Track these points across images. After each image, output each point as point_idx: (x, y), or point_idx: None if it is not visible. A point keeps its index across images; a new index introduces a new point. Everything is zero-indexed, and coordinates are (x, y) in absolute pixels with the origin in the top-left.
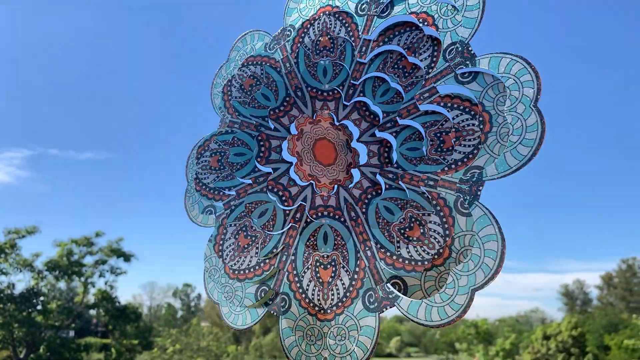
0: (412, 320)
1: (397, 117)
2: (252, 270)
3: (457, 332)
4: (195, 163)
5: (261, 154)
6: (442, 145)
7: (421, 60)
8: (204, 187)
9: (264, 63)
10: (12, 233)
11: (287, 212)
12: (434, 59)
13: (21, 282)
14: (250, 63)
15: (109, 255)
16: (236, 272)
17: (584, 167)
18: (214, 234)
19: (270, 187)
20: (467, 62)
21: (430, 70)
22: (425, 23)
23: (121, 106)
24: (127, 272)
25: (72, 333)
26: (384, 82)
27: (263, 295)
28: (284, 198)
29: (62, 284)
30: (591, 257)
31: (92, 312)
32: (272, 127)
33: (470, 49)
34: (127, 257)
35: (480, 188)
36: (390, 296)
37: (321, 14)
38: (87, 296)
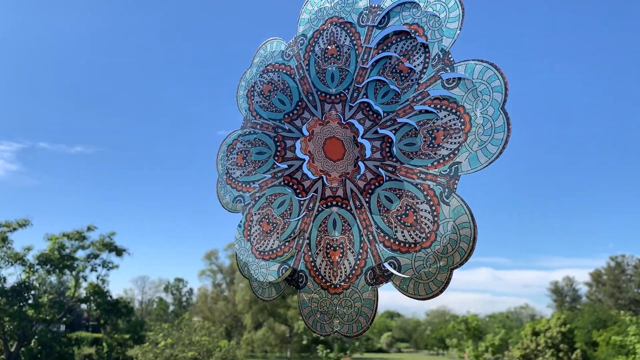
0: (404, 294)
1: (395, 116)
2: (274, 251)
3: (448, 328)
4: (226, 159)
5: (278, 153)
6: (433, 141)
7: (415, 66)
8: (233, 180)
9: (280, 70)
10: (2, 226)
11: (302, 202)
12: (426, 64)
13: (12, 275)
14: (269, 70)
15: (101, 250)
16: (262, 253)
17: (573, 166)
18: (243, 220)
19: (286, 182)
20: (447, 68)
21: (422, 75)
22: (417, 33)
23: (112, 101)
24: (119, 267)
25: (62, 327)
26: (384, 84)
27: (283, 272)
28: (298, 190)
29: (53, 278)
30: (580, 254)
31: (84, 306)
32: (287, 128)
33: (450, 56)
34: (119, 252)
35: (457, 181)
36: (385, 274)
37: (329, 24)
38: (79, 290)
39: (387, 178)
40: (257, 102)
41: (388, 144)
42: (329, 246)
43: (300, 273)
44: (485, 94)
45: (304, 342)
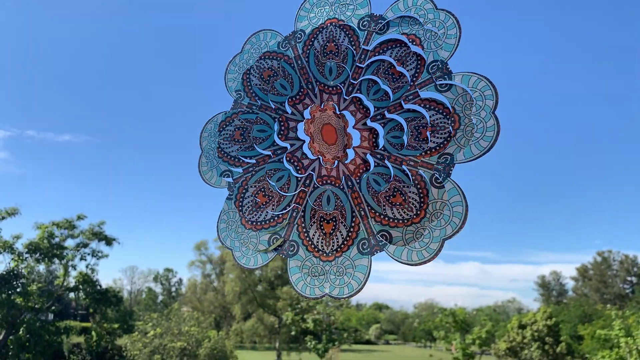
0: (397, 261)
1: (385, 112)
2: (267, 222)
3: (435, 321)
4: (218, 135)
5: (281, 132)
6: (419, 136)
7: (407, 71)
8: (225, 154)
9: (279, 58)
10: None
11: (299, 178)
12: (418, 71)
13: (1, 264)
14: (267, 57)
15: (90, 239)
16: (253, 223)
17: (561, 163)
18: (235, 192)
19: (288, 159)
20: (445, 77)
21: (414, 79)
22: (414, 43)
23: (101, 89)
24: (108, 256)
25: (51, 316)
26: (376, 83)
27: (274, 242)
28: (298, 168)
29: (41, 267)
30: (567, 249)
31: (72, 295)
32: (290, 111)
33: (448, 67)
34: (109, 241)
35: (452, 168)
36: (380, 243)
37: (329, 24)
38: (68, 279)
39: (376, 164)
40: (256, 85)
41: (375, 136)
42: (322, 219)
43: (292, 242)
44: (479, 100)
45: (293, 332)
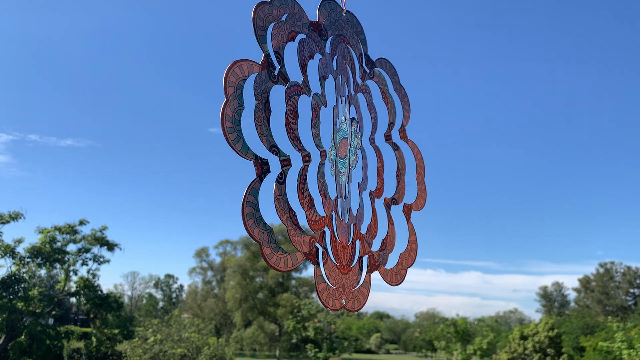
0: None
1: None
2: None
3: (436, 331)
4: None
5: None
6: None
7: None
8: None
9: None
10: None
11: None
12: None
13: (2, 267)
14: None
15: (92, 244)
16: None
17: (563, 172)
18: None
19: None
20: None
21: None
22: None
23: (104, 95)
24: (110, 261)
25: (51, 320)
26: None
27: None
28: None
29: (43, 271)
30: (569, 260)
31: (73, 300)
32: None
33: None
34: (110, 246)
35: None
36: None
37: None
38: (69, 284)
39: None
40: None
41: None
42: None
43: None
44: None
45: (293, 340)
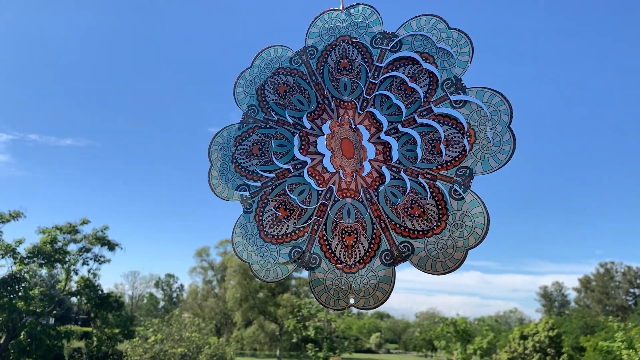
0: (421, 271)
1: (398, 126)
2: (289, 235)
3: (436, 330)
4: (234, 148)
5: (302, 147)
6: (433, 149)
7: (420, 87)
8: (242, 169)
9: (294, 74)
10: None
11: (320, 192)
12: (431, 87)
13: (3, 267)
14: (281, 73)
15: (93, 243)
16: (274, 237)
17: (562, 173)
18: (254, 206)
19: (309, 173)
20: (459, 92)
21: (428, 95)
22: (427, 60)
23: (104, 94)
24: (110, 261)
25: (52, 320)
26: (389, 99)
27: (295, 254)
28: (319, 181)
29: (43, 271)
30: (568, 260)
31: (74, 299)
32: (309, 126)
33: (462, 83)
34: (111, 246)
35: (471, 181)
36: (403, 254)
37: (341, 41)
38: (70, 283)
39: (392, 177)
40: (272, 100)
41: (388, 149)
42: (343, 232)
43: (314, 255)
44: (494, 115)
45: (294, 340)
